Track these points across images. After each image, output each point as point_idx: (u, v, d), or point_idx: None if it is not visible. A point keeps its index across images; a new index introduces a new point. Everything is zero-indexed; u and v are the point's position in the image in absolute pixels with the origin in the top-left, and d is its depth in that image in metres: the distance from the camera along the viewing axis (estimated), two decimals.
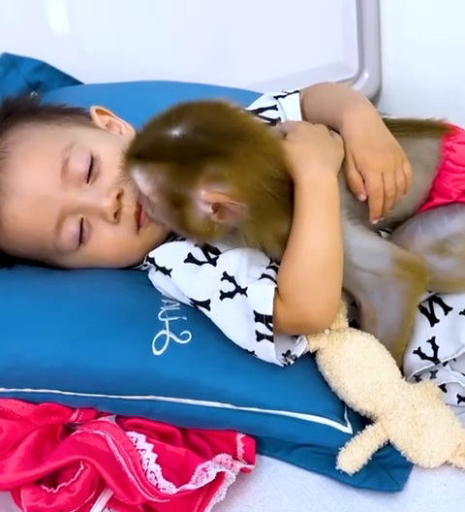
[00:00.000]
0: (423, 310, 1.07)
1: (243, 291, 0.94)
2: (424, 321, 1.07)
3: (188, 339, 0.96)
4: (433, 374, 1.08)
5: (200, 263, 0.98)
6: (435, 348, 1.05)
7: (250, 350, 0.95)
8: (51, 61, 1.47)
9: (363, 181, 1.00)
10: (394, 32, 1.75)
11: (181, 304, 1.01)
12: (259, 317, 0.92)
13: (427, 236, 1.03)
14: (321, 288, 0.94)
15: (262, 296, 0.93)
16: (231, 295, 0.95)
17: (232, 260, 0.98)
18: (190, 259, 0.99)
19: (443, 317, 1.06)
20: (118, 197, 1.03)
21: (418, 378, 1.06)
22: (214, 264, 0.98)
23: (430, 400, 0.98)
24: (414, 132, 1.08)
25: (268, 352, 0.93)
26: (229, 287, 0.95)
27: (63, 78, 1.46)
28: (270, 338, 0.92)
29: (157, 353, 0.95)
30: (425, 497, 0.95)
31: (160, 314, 0.98)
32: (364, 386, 0.97)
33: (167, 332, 0.96)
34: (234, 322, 0.95)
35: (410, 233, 1.04)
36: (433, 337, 1.05)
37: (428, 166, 1.06)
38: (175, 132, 0.90)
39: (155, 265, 1.01)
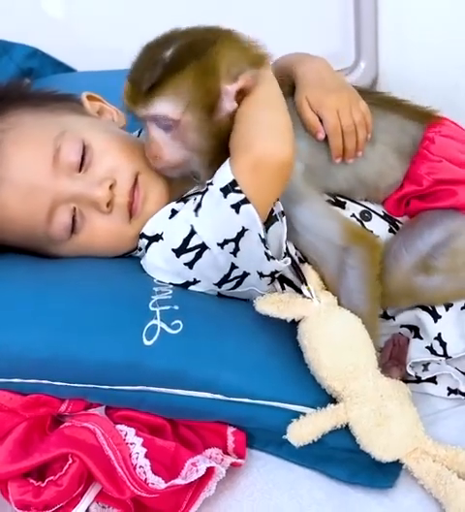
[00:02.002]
0: (425, 308, 1.07)
1: (206, 188, 0.97)
2: (428, 318, 1.06)
3: (179, 329, 0.95)
4: (425, 367, 1.08)
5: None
6: (443, 345, 1.05)
7: (239, 230, 0.95)
8: (46, 48, 1.45)
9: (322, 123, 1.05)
10: (392, 22, 1.74)
11: (173, 292, 1.00)
12: (225, 190, 0.94)
13: (411, 256, 1.03)
14: (266, 122, 0.96)
15: (218, 173, 0.96)
16: (199, 205, 0.97)
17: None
18: (173, 213, 1.02)
19: (444, 313, 1.06)
20: (111, 187, 1.02)
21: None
22: (185, 202, 1.03)
23: (399, 397, 0.96)
24: (392, 107, 1.11)
25: (251, 216, 0.94)
26: (197, 200, 0.98)
27: (56, 64, 1.45)
28: (245, 201, 0.93)
29: (147, 343, 0.94)
30: (416, 493, 0.95)
31: (151, 303, 0.97)
32: (339, 363, 0.96)
33: (157, 321, 0.95)
34: (215, 218, 0.96)
35: (394, 256, 1.04)
36: (439, 334, 1.05)
37: (399, 145, 1.09)
38: (168, 51, 0.95)
39: (147, 237, 1.02)
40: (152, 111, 0.97)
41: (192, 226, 0.97)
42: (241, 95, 0.98)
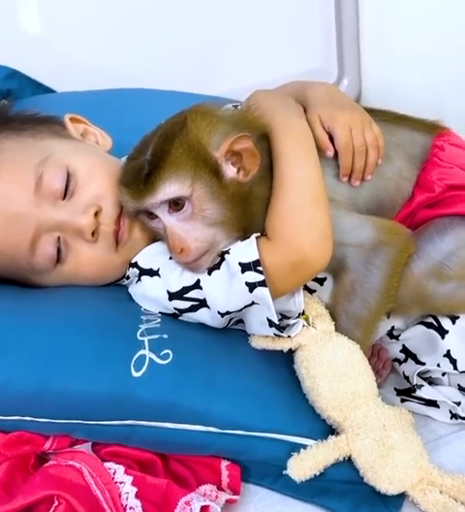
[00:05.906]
0: (430, 325, 1.06)
1: (223, 256, 0.95)
2: (435, 336, 1.05)
3: (169, 359, 0.93)
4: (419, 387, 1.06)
5: None
6: (453, 362, 1.04)
7: (248, 303, 0.94)
8: (23, 67, 1.43)
9: (332, 141, 1.03)
10: (374, 39, 1.77)
11: (162, 320, 0.98)
12: (245, 267, 0.92)
13: (423, 262, 1.02)
14: (311, 218, 0.95)
15: (243, 246, 0.94)
16: (217, 266, 0.95)
17: None
18: None
19: (451, 326, 1.05)
20: (96, 214, 1.00)
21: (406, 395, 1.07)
22: None
23: (402, 425, 0.94)
24: (399, 121, 1.10)
25: (264, 299, 0.92)
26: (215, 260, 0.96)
27: (35, 86, 1.44)
28: (263, 283, 0.91)
29: (136, 374, 0.91)
30: None
31: (139, 333, 0.95)
32: (338, 393, 0.94)
33: (146, 351, 0.93)
34: (226, 288, 0.94)
35: (406, 262, 1.02)
36: (448, 351, 1.04)
37: (412, 156, 1.08)
38: (148, 150, 0.94)
39: (139, 268, 1.00)
40: (161, 196, 0.92)
41: (198, 280, 0.95)
42: (237, 157, 0.94)
